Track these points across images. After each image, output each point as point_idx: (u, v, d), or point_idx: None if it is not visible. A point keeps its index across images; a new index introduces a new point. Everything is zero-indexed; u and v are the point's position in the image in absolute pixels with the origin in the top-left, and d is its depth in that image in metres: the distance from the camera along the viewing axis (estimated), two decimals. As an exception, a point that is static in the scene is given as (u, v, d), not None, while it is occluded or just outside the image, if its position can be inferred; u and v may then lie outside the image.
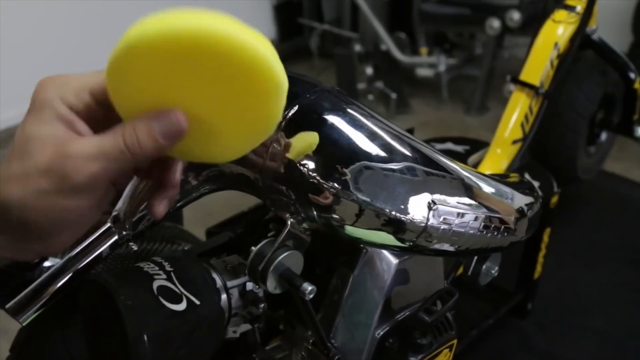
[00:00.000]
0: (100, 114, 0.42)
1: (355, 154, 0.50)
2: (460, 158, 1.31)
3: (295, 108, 0.51)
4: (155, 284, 0.52)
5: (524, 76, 1.31)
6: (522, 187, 0.70)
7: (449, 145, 1.38)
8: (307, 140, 0.50)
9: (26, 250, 0.43)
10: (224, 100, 0.40)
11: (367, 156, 0.50)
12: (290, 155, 0.50)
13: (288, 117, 0.50)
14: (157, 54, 0.38)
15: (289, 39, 3.20)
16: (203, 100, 0.40)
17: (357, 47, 2.64)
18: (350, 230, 0.52)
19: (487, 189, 0.60)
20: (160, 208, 0.46)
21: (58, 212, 0.40)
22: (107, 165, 0.39)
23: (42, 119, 0.40)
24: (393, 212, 0.51)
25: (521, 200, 0.66)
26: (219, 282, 0.57)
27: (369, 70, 2.59)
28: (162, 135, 0.40)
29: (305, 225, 0.53)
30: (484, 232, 0.58)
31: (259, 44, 0.39)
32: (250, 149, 0.45)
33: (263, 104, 0.41)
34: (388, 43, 2.57)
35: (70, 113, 0.41)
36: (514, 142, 1.30)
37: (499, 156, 1.30)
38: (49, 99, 0.41)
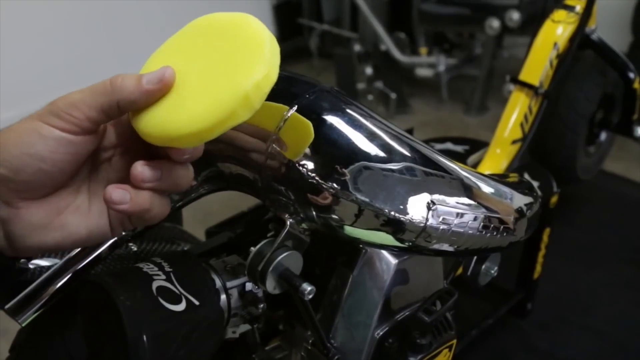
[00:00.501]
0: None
1: (355, 154, 0.50)
2: (460, 158, 1.31)
3: (295, 108, 0.51)
4: (155, 285, 0.52)
5: (524, 76, 1.31)
6: (521, 187, 0.70)
7: (449, 145, 1.38)
8: (300, 130, 0.50)
9: (3, 203, 0.41)
10: (210, 67, 0.42)
11: (367, 156, 0.50)
12: (288, 154, 0.50)
13: (288, 117, 0.50)
14: (191, 30, 0.46)
15: (289, 39, 3.20)
16: (196, 67, 0.43)
17: (357, 47, 2.64)
18: (349, 230, 0.52)
19: (487, 189, 0.60)
20: (116, 193, 0.42)
21: (31, 134, 0.40)
22: (87, 93, 0.41)
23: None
24: (392, 212, 0.51)
25: (520, 200, 0.66)
26: (218, 283, 0.57)
27: (369, 70, 2.59)
28: (147, 79, 0.42)
29: (304, 225, 0.53)
30: (483, 232, 0.58)
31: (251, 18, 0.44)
32: (217, 125, 0.41)
33: (239, 62, 0.41)
34: (388, 43, 2.57)
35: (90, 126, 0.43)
36: (514, 142, 1.30)
37: (498, 156, 1.30)
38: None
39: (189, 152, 0.44)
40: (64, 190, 0.44)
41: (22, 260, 0.54)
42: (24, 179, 0.41)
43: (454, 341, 0.73)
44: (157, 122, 0.41)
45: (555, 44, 1.31)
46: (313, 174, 0.49)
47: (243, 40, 0.42)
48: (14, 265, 0.45)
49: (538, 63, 1.31)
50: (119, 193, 0.42)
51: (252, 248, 0.54)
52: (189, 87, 0.42)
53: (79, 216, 0.44)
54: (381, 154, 0.51)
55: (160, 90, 0.42)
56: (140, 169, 0.42)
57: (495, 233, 0.60)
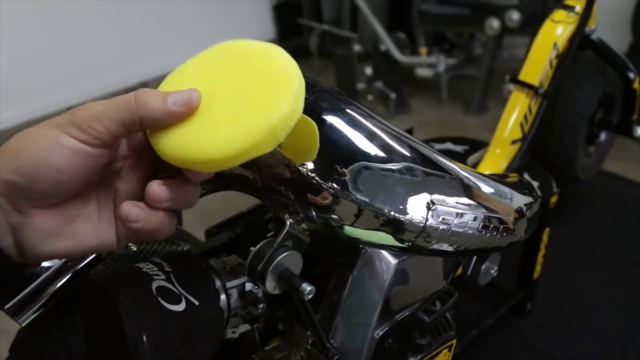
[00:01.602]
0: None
1: (354, 154, 0.50)
2: (460, 158, 1.31)
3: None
4: (155, 285, 0.52)
5: (523, 76, 1.31)
6: (521, 187, 0.70)
7: (448, 145, 1.38)
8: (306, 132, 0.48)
9: (6, 219, 0.41)
10: (236, 92, 0.42)
11: (366, 156, 0.50)
12: (296, 159, 0.50)
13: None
14: (214, 54, 0.46)
15: (289, 39, 3.20)
16: (221, 91, 0.43)
17: (357, 47, 2.64)
18: (349, 230, 0.52)
19: (486, 189, 0.60)
20: (131, 211, 0.42)
21: (49, 143, 0.39)
22: (110, 107, 0.40)
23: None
24: (392, 212, 0.51)
25: (520, 200, 0.66)
26: (218, 283, 0.57)
27: (369, 71, 2.60)
28: (172, 99, 0.41)
29: (304, 225, 0.53)
30: (483, 232, 0.58)
31: (285, 53, 0.45)
32: (235, 152, 0.41)
33: (267, 94, 0.41)
34: (387, 43, 2.58)
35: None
36: (513, 142, 1.30)
37: (498, 156, 1.30)
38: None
39: (206, 174, 0.44)
40: (75, 199, 0.44)
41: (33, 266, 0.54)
42: (39, 188, 0.40)
43: (454, 341, 0.73)
44: (178, 144, 0.41)
45: (555, 44, 1.31)
46: (313, 174, 0.49)
47: (272, 71, 0.42)
48: (22, 272, 0.44)
49: (538, 63, 1.31)
50: (135, 211, 0.42)
51: (252, 248, 0.54)
52: (214, 111, 0.42)
53: (89, 225, 0.44)
54: (381, 154, 0.51)
55: (185, 113, 0.42)
56: (157, 189, 0.43)
57: (495, 233, 0.60)
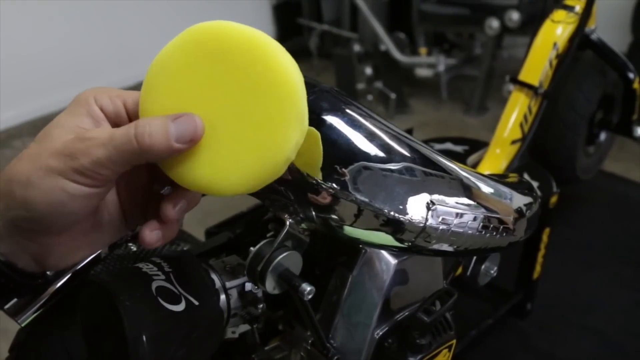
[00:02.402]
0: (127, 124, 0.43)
1: (354, 154, 0.50)
2: (460, 158, 1.31)
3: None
4: (154, 285, 0.52)
5: (523, 76, 1.31)
6: (521, 187, 0.70)
7: (448, 146, 1.38)
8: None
9: (23, 248, 0.42)
10: (240, 114, 0.40)
11: (366, 156, 0.50)
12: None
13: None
14: (200, 49, 0.41)
15: (289, 39, 3.20)
16: (222, 112, 0.41)
17: (357, 48, 2.64)
18: (349, 230, 0.52)
19: (486, 189, 0.60)
20: (151, 236, 0.45)
21: (59, 194, 0.39)
22: (113, 152, 0.39)
23: (74, 112, 0.42)
24: (392, 213, 0.51)
25: (520, 200, 0.66)
26: (217, 283, 0.57)
27: (368, 71, 2.60)
28: (176, 134, 0.40)
29: (304, 225, 0.53)
30: (483, 232, 0.58)
31: (283, 54, 0.41)
32: (253, 185, 0.41)
33: (277, 123, 0.40)
34: (387, 43, 2.58)
35: (99, 112, 0.43)
36: (513, 142, 1.30)
37: (498, 156, 1.30)
38: (84, 97, 0.43)
39: None
40: (87, 217, 0.44)
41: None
42: (54, 229, 0.41)
43: (454, 341, 0.73)
44: (191, 176, 0.41)
45: (554, 44, 1.31)
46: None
47: (270, 82, 0.40)
48: (36, 280, 0.46)
49: (538, 63, 1.31)
50: (153, 236, 0.45)
51: (252, 248, 0.54)
52: (220, 136, 0.41)
53: (102, 230, 0.46)
54: (381, 154, 0.51)
55: (189, 148, 0.41)
56: (172, 212, 0.44)
57: (494, 233, 0.60)
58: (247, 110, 0.40)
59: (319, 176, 0.48)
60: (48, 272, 0.52)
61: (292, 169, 0.49)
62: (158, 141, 0.39)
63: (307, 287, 0.52)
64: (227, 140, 0.41)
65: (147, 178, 0.48)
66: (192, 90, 0.41)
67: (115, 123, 0.44)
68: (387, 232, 0.52)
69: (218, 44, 0.41)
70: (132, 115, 0.44)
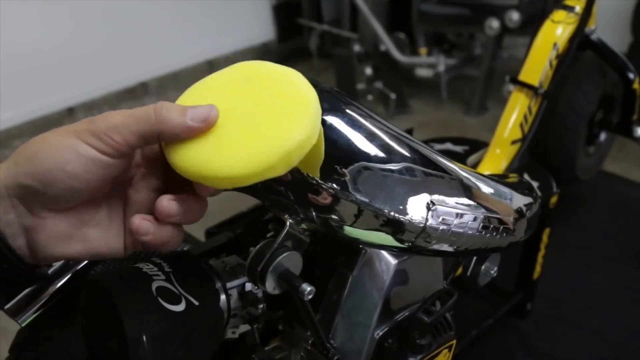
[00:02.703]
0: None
1: (354, 154, 0.50)
2: (460, 158, 1.31)
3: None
4: (154, 285, 0.52)
5: (523, 76, 1.31)
6: (521, 187, 0.70)
7: (448, 146, 1.38)
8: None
9: (18, 218, 0.41)
10: (254, 114, 0.43)
11: (366, 157, 0.50)
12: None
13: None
14: (237, 74, 0.47)
15: (289, 39, 3.20)
16: (239, 110, 0.43)
17: (357, 48, 2.64)
18: (349, 230, 0.52)
19: (486, 189, 0.60)
20: (141, 224, 0.43)
21: (67, 150, 0.40)
22: (130, 119, 0.41)
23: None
24: (392, 213, 0.51)
25: (520, 200, 0.66)
26: (218, 283, 0.57)
27: (368, 71, 2.59)
28: (191, 114, 0.42)
29: (304, 225, 0.53)
30: (483, 233, 0.58)
31: (308, 84, 0.45)
32: (249, 171, 0.41)
33: (285, 121, 0.42)
34: (387, 43, 2.57)
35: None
36: (513, 142, 1.30)
37: (498, 156, 1.30)
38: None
39: (215, 189, 0.45)
40: (87, 204, 0.44)
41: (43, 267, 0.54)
42: (54, 193, 0.41)
43: (454, 341, 0.73)
44: (194, 159, 0.42)
45: (554, 44, 1.31)
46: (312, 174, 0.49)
47: (290, 95, 0.43)
48: (32, 272, 0.45)
49: (538, 63, 1.31)
50: (145, 225, 0.43)
51: (252, 248, 0.54)
52: (231, 129, 0.42)
53: (100, 231, 0.45)
54: (381, 154, 0.51)
55: (202, 129, 0.42)
56: (167, 203, 0.43)
57: (494, 233, 0.60)
58: (261, 111, 0.43)
59: (318, 176, 0.48)
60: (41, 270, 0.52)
61: (293, 169, 0.49)
62: (174, 115, 0.41)
63: (307, 288, 0.52)
64: (235, 132, 0.42)
65: (153, 199, 0.46)
66: (217, 96, 0.45)
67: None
68: (387, 233, 0.52)
69: (255, 70, 0.46)
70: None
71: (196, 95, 0.46)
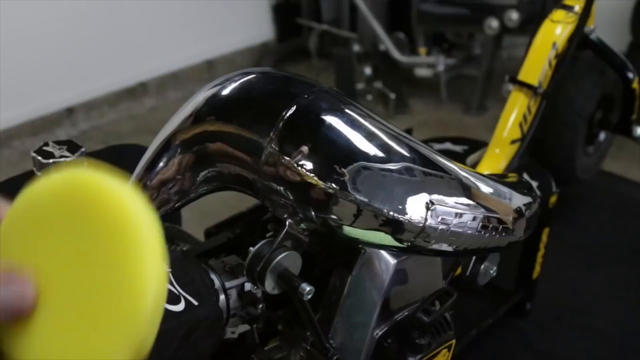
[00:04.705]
0: None
1: (354, 154, 0.50)
2: (459, 158, 1.31)
3: (293, 108, 0.51)
4: (154, 285, 0.52)
5: (523, 76, 1.31)
6: (520, 187, 0.70)
7: (448, 145, 1.38)
8: None
9: None
10: (84, 281, 0.32)
11: (365, 156, 0.50)
12: None
13: (286, 117, 0.50)
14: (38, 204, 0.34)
15: (288, 39, 3.20)
16: (56, 262, 0.33)
17: (356, 47, 2.64)
18: (348, 230, 0.52)
19: (486, 189, 0.60)
20: None
21: None
22: None
23: None
24: (391, 213, 0.51)
25: (519, 200, 0.66)
26: (217, 283, 0.57)
27: (368, 71, 2.59)
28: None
29: (303, 225, 0.53)
30: (482, 232, 0.58)
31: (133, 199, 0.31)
32: None
33: (129, 291, 0.30)
34: (387, 43, 2.57)
35: None
36: (513, 142, 1.30)
37: (497, 156, 1.30)
38: None
39: None
40: None
41: None
42: None
43: (453, 341, 0.73)
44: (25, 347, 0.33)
45: (554, 43, 1.31)
46: (312, 174, 0.49)
47: (122, 275, 0.31)
48: None
49: (537, 63, 1.31)
50: None
51: (251, 248, 0.54)
52: (60, 309, 0.32)
53: None
54: (380, 154, 0.51)
55: (17, 320, 0.32)
56: None
57: (494, 233, 0.60)
58: (89, 276, 0.32)
59: None
60: None
61: (292, 169, 0.49)
62: None
63: (306, 287, 0.52)
64: (68, 316, 0.32)
65: None
66: (32, 246, 0.34)
67: None
68: (386, 232, 0.52)
69: (83, 204, 0.32)
70: None
71: (13, 237, 0.34)
